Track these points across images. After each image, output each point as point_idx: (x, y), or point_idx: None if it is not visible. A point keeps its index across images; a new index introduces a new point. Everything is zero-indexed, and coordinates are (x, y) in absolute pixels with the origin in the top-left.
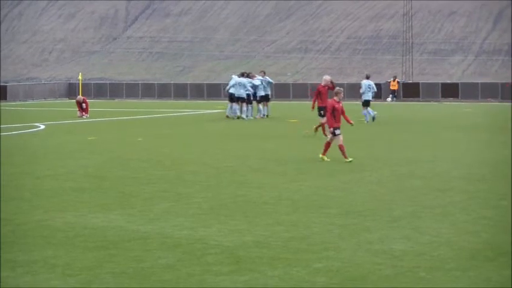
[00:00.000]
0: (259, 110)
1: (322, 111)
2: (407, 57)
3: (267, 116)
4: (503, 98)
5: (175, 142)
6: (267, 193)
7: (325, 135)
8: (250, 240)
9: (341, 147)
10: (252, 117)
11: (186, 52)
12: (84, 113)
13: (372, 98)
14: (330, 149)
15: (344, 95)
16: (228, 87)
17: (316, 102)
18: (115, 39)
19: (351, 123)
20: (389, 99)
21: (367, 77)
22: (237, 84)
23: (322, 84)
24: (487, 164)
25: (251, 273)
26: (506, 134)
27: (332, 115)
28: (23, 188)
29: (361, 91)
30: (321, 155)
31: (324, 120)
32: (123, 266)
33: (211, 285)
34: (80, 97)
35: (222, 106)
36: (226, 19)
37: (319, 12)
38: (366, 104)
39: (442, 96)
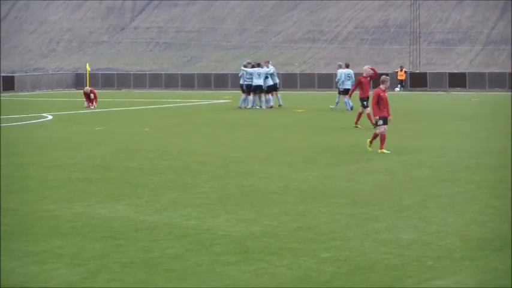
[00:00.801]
0: (267, 100)
1: (365, 102)
2: (415, 46)
3: (279, 105)
4: (511, 88)
5: (182, 132)
6: (274, 183)
7: (373, 125)
8: (258, 230)
9: (382, 137)
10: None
11: (194, 42)
12: (91, 104)
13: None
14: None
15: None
16: (242, 79)
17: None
18: (122, 29)
19: (389, 115)
20: (397, 89)
21: (347, 66)
22: (255, 74)
23: (364, 75)
24: (494, 154)
25: (259, 262)
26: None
27: (377, 104)
28: (30, 179)
29: (336, 79)
30: (379, 150)
31: (368, 110)
32: (130, 256)
33: (219, 274)
34: (88, 88)
35: (229, 96)
36: (233, 9)
37: (326, 2)
38: (345, 92)
39: (450, 86)
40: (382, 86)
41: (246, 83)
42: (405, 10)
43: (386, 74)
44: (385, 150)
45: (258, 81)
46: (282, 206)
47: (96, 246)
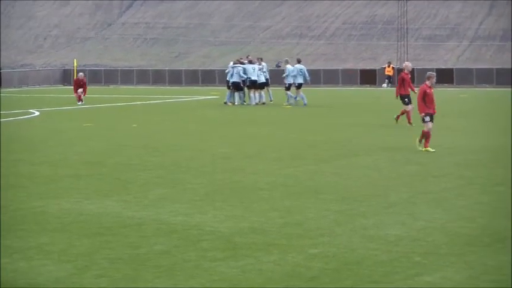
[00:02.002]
0: (260, 96)
1: (406, 99)
2: (402, 42)
3: (270, 101)
4: (498, 84)
5: (170, 128)
6: (262, 179)
7: (410, 124)
8: (246, 226)
9: (427, 134)
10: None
11: (181, 38)
12: (82, 95)
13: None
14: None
15: (339, 80)
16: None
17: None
18: (110, 25)
19: (434, 112)
20: (384, 85)
21: (299, 61)
22: (256, 70)
23: (405, 71)
24: (483, 150)
25: (246, 258)
26: (502, 120)
27: (423, 100)
28: (19, 175)
29: (285, 74)
30: (424, 148)
31: (408, 108)
32: (118, 252)
33: (207, 270)
34: (82, 74)
35: (217, 92)
36: (221, 5)
37: None
38: (299, 86)
39: (437, 82)
40: (428, 82)
41: (232, 80)
42: (393, 6)
43: (374, 70)
44: (430, 149)
45: (253, 77)
46: (270, 202)
47: (84, 243)
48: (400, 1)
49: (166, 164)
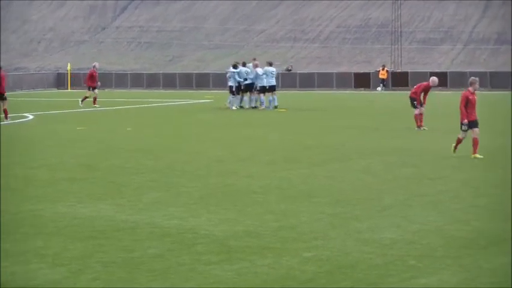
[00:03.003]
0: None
1: (415, 102)
2: (396, 46)
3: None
4: (492, 87)
5: (164, 132)
6: (256, 182)
7: (418, 127)
8: (240, 229)
9: (474, 141)
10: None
11: (175, 41)
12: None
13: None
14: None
15: (333, 84)
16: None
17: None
18: (104, 28)
19: (475, 118)
20: (379, 88)
21: (270, 64)
22: (265, 74)
23: (431, 84)
24: (479, 153)
25: (241, 262)
26: (497, 122)
27: (465, 107)
28: (14, 178)
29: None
30: (472, 155)
31: (416, 111)
32: (112, 256)
33: (202, 274)
34: (97, 64)
35: (211, 96)
36: (215, 8)
37: (307, 2)
38: (269, 90)
39: None
40: (470, 88)
41: (246, 82)
42: (387, 9)
43: (368, 74)
44: (478, 155)
45: (271, 81)
46: (264, 205)
47: (78, 246)
48: (394, 4)
49: (160, 168)
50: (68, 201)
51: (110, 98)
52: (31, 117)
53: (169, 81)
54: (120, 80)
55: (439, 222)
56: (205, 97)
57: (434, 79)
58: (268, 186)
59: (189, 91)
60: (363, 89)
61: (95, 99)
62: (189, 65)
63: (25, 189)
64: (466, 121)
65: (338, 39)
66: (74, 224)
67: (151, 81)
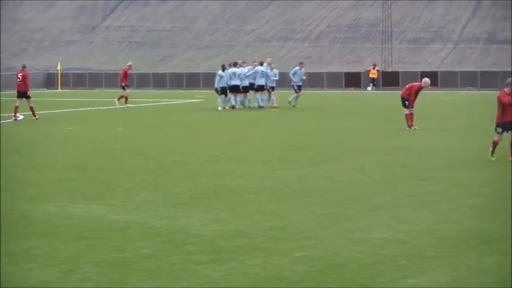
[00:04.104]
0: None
1: (406, 102)
2: (387, 45)
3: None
4: (483, 86)
5: (156, 132)
6: (248, 182)
7: (409, 127)
8: (231, 229)
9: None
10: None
11: (166, 41)
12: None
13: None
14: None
15: (324, 83)
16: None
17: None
18: (94, 28)
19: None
20: (369, 88)
21: (261, 64)
22: (260, 73)
23: (423, 85)
24: (469, 152)
25: (232, 262)
26: (487, 122)
27: (501, 109)
28: (5, 179)
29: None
30: (510, 158)
31: (407, 111)
32: (103, 256)
33: (192, 274)
34: (131, 64)
35: (201, 96)
36: (205, 8)
37: (297, 2)
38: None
39: None
40: (506, 89)
41: (231, 83)
42: (377, 9)
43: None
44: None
45: (261, 81)
46: (256, 205)
47: (69, 247)
48: (384, 4)
49: (151, 168)
50: (59, 201)
51: (100, 98)
52: (21, 117)
53: (160, 81)
54: (110, 80)
55: (430, 222)
56: (196, 97)
57: (426, 80)
58: (260, 186)
59: (180, 91)
60: (353, 88)
61: (125, 97)
62: (179, 64)
63: (16, 189)
64: (501, 123)
65: (328, 38)
66: (65, 224)
67: (141, 81)
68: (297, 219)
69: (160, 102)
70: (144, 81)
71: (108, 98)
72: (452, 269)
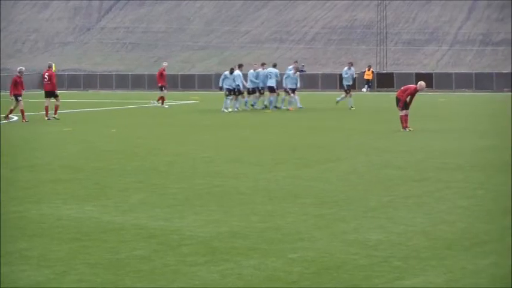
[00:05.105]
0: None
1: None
2: (382, 47)
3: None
4: (477, 88)
5: (150, 133)
6: (242, 183)
7: (404, 128)
8: (226, 230)
9: None
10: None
11: (161, 42)
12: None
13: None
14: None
15: (319, 85)
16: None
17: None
18: (89, 29)
19: None
20: (364, 89)
21: (262, 65)
22: (268, 74)
23: (418, 88)
24: (462, 154)
25: (226, 263)
26: (482, 123)
27: None
28: None
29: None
30: None
31: (402, 113)
32: (97, 257)
33: (187, 275)
34: (166, 64)
35: (197, 97)
36: (200, 9)
37: (294, 1)
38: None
39: None
40: None
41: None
42: (372, 10)
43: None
44: None
45: (271, 82)
46: (250, 206)
47: (63, 248)
48: (379, 6)
49: (146, 169)
50: (53, 202)
51: (94, 99)
52: (15, 118)
53: (155, 82)
54: (105, 81)
55: (424, 223)
56: (191, 98)
57: (422, 84)
58: (255, 188)
59: (175, 92)
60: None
61: (162, 98)
62: (174, 66)
63: (9, 190)
64: None
65: (323, 40)
66: (59, 225)
67: (136, 82)
68: (291, 221)
69: (155, 103)
70: (138, 82)
71: (102, 99)
72: (446, 270)
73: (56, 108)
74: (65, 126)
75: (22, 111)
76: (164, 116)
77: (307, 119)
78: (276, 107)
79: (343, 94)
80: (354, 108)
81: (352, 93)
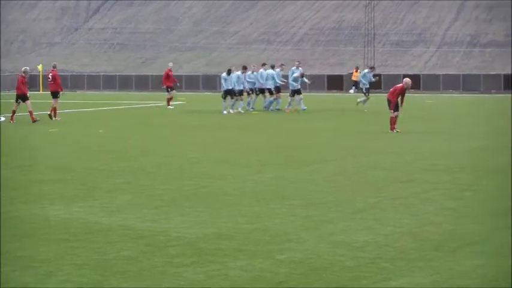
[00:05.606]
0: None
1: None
2: (369, 48)
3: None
4: (465, 90)
5: (138, 134)
6: (230, 184)
7: (392, 130)
8: (213, 232)
9: None
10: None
11: (148, 43)
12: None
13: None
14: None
15: (306, 86)
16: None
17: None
18: (76, 30)
19: None
20: (351, 91)
21: (263, 65)
22: (269, 75)
23: (404, 86)
24: (450, 155)
25: (213, 264)
26: (468, 125)
27: None
28: None
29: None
30: None
31: (393, 114)
32: (84, 258)
33: (174, 276)
34: (171, 64)
35: (184, 98)
36: (189, 9)
37: (282, 2)
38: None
39: None
40: None
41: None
42: (360, 11)
43: (341, 76)
44: None
45: (269, 84)
46: (237, 207)
47: (50, 249)
48: (367, 7)
49: (133, 170)
50: (40, 203)
51: (82, 100)
52: (3, 119)
53: (142, 83)
54: (92, 82)
55: (411, 224)
56: (178, 99)
57: (406, 80)
58: (242, 189)
59: (162, 93)
60: (335, 91)
61: (169, 99)
62: (162, 66)
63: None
64: None
65: (311, 41)
66: (46, 226)
67: (124, 82)
68: (278, 222)
69: (142, 104)
70: (126, 83)
71: (90, 100)
72: (433, 271)
73: (55, 109)
74: (52, 127)
75: (30, 111)
76: (152, 116)
77: (295, 121)
78: (278, 109)
79: (363, 97)
80: (366, 111)
81: (339, 94)
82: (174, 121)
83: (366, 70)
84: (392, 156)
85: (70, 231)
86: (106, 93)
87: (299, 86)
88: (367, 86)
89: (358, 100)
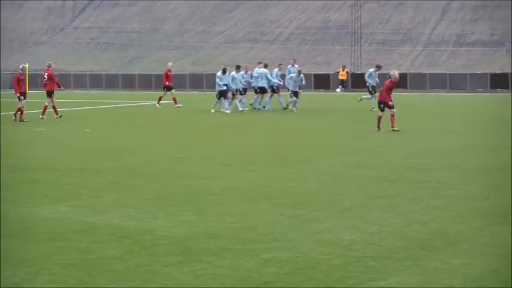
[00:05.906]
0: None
1: (381, 105)
2: (356, 47)
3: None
4: (451, 88)
5: (124, 133)
6: (216, 183)
7: (378, 129)
8: (199, 231)
9: None
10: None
11: (135, 42)
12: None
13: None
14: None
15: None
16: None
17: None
18: (62, 29)
19: None
20: (338, 89)
21: (260, 64)
22: (262, 75)
23: (392, 79)
24: (436, 154)
25: (199, 263)
26: (455, 123)
27: None
28: None
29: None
30: None
31: (380, 114)
32: (70, 258)
33: (160, 275)
34: (170, 64)
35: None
36: (175, 9)
37: (268, 2)
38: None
39: None
40: None
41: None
42: (346, 11)
43: (328, 75)
44: None
45: (262, 83)
46: (224, 206)
47: (36, 248)
48: (353, 6)
49: (119, 169)
50: (26, 202)
51: (68, 99)
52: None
53: (129, 82)
54: (79, 81)
55: (398, 223)
56: (165, 98)
57: (393, 73)
58: (228, 188)
59: (148, 92)
60: (322, 90)
61: (174, 99)
62: (148, 66)
63: None
64: None
65: (298, 40)
66: (32, 225)
67: (110, 82)
68: (265, 221)
69: (129, 103)
70: (112, 82)
71: (76, 99)
72: (420, 270)
73: (45, 108)
74: (39, 127)
75: (20, 110)
76: (138, 116)
77: (281, 120)
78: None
79: (367, 94)
80: (374, 109)
81: (328, 93)
82: (161, 120)
83: (372, 69)
84: (379, 155)
85: (56, 231)
86: (93, 92)
87: (297, 89)
88: (374, 85)
89: (363, 97)
